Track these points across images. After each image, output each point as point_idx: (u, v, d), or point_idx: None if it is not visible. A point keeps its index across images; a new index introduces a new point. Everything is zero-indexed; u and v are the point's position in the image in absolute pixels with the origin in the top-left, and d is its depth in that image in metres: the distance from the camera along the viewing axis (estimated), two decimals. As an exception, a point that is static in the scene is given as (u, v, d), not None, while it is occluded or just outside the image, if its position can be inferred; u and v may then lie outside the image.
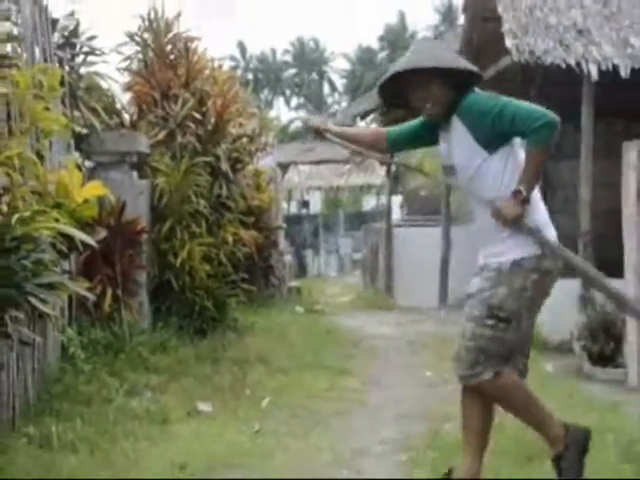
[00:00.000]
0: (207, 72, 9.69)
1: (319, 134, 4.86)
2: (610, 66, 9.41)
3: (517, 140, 4.40)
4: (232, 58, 61.99)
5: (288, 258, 22.57)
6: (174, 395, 6.94)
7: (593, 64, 9.43)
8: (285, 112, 64.72)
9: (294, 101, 68.26)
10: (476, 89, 4.49)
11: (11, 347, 5.48)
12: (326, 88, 68.66)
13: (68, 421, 5.84)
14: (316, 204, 34.69)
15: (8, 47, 5.56)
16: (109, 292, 7.66)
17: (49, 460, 5.09)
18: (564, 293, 10.09)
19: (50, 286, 5.34)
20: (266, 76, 66.55)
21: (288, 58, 68.05)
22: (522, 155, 4.42)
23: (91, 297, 6.36)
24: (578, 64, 9.47)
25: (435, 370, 8.60)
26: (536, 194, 4.51)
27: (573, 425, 4.65)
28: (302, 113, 66.15)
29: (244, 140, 9.98)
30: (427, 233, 15.80)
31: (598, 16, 9.99)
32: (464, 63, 4.54)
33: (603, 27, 9.82)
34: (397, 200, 20.50)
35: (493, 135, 4.34)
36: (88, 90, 8.11)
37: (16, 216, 4.95)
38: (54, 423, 5.74)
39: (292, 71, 68.06)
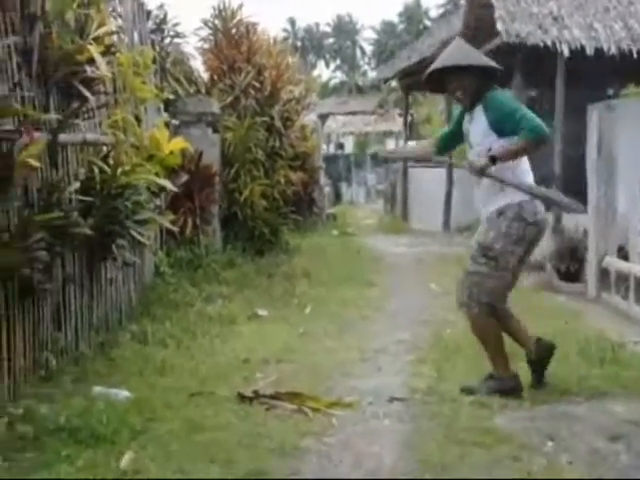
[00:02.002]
0: (264, 48, 9.58)
1: (386, 160, 4.86)
2: (578, 46, 9.33)
3: None
4: (284, 30, 61.33)
5: (327, 189, 22.63)
6: (239, 302, 6.99)
7: (565, 44, 9.34)
8: (325, 72, 63.95)
9: (332, 64, 67.31)
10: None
11: (117, 267, 5.58)
12: (358, 53, 67.58)
13: (160, 322, 5.95)
14: (349, 146, 34.54)
15: (114, 37, 5.52)
16: (190, 221, 7.72)
17: (147, 353, 5.20)
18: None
19: (145, 222, 5.44)
20: (311, 44, 65.71)
21: (328, 29, 67.01)
22: None
23: (174, 229, 6.44)
24: (553, 44, 9.39)
25: (438, 284, 8.63)
26: (525, 166, 4.51)
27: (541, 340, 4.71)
28: (339, 73, 65.33)
29: (293, 102, 9.89)
30: (435, 172, 15.67)
31: (570, 6, 9.93)
32: (487, 61, 4.59)
33: (573, 15, 9.70)
34: (412, 144, 20.21)
35: (503, 125, 4.37)
36: (174, 65, 8.11)
37: (120, 169, 5.01)
38: (150, 323, 5.89)
39: (331, 40, 67.10)
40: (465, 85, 4.47)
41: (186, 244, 7.60)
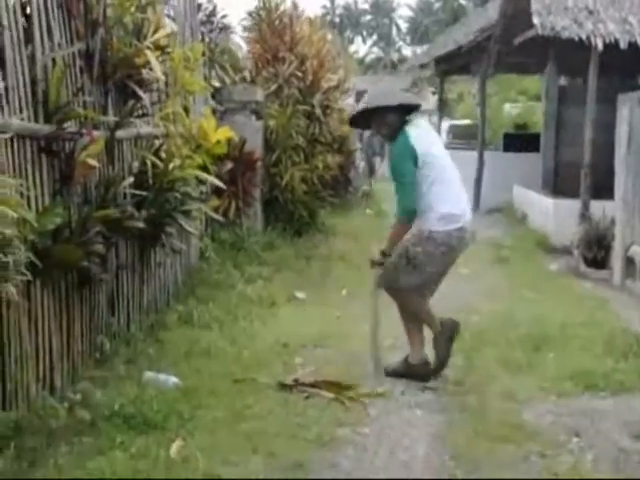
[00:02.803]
0: (306, 38, 9.50)
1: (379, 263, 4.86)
2: (613, 40, 9.11)
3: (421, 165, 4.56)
4: (324, 7, 60.81)
5: (362, 164, 22.48)
6: (278, 284, 6.99)
7: (599, 38, 9.13)
8: (362, 48, 63.27)
9: (369, 40, 66.56)
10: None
11: (166, 252, 5.64)
12: (394, 30, 66.74)
13: (204, 303, 6.00)
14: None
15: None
16: (233, 205, 7.75)
17: (192, 335, 5.25)
18: (568, 210, 10.07)
19: (192, 211, 5.47)
20: (349, 20, 64.98)
21: (366, 6, 66.24)
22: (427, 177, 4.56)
23: (219, 218, 6.49)
24: (588, 38, 9.17)
25: (469, 267, 8.55)
26: (442, 192, 4.58)
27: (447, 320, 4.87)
28: (375, 49, 64.63)
29: (332, 90, 9.82)
30: (466, 155, 15.47)
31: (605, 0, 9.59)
32: (407, 98, 4.88)
33: (608, 9, 9.42)
34: (445, 124, 20.02)
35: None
36: (221, 54, 8.09)
37: (172, 164, 5.05)
38: (195, 304, 5.95)
39: (368, 17, 66.32)
40: (387, 122, 4.69)
41: (229, 226, 7.64)
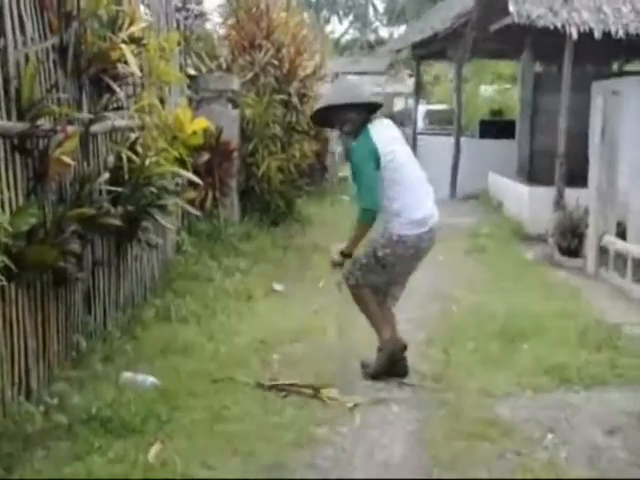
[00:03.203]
0: (282, 23, 9.41)
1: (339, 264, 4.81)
2: (587, 29, 9.14)
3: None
4: (299, -13, 60.08)
5: (338, 149, 22.41)
6: (256, 276, 6.95)
7: (574, 27, 9.15)
8: (339, 28, 62.69)
9: (345, 21, 66.16)
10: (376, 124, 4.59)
11: (142, 247, 5.58)
12: (370, 10, 66.43)
13: (181, 296, 5.97)
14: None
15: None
16: (210, 195, 7.71)
17: (169, 331, 5.21)
18: (542, 197, 10.13)
19: (167, 206, 5.42)
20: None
21: (341, -13, 65.74)
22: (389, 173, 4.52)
23: (195, 212, 6.45)
24: (563, 26, 9.19)
25: (446, 256, 8.57)
26: (410, 196, 4.55)
27: (398, 339, 4.79)
28: (352, 30, 64.21)
29: (309, 78, 9.75)
30: (443, 141, 15.55)
31: (579, -12, 9.60)
32: (365, 97, 4.71)
33: (583, -2, 9.45)
34: (422, 108, 19.97)
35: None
36: (197, 41, 8.00)
37: (148, 160, 4.98)
38: (172, 297, 5.92)
39: (344, -3, 65.84)
40: (348, 119, 4.60)
41: (206, 217, 7.59)
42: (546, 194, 10.09)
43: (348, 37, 60.87)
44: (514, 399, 4.45)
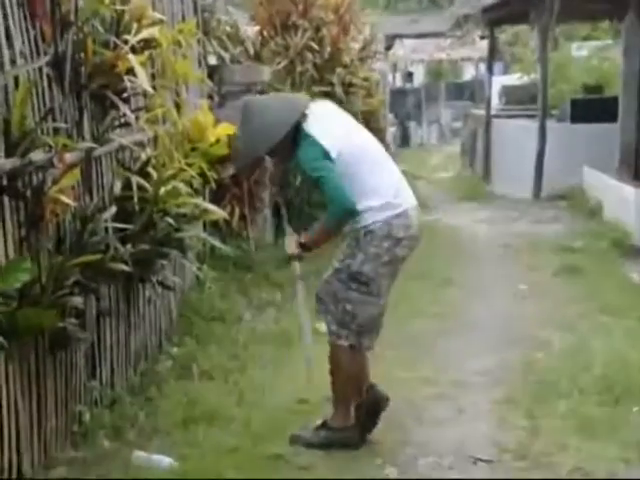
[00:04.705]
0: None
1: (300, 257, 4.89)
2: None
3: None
4: None
5: (392, 130, 22.37)
6: (295, 313, 6.91)
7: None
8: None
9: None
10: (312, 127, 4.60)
11: (156, 289, 5.66)
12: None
13: (204, 343, 6.07)
14: (419, 75, 34.10)
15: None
16: (237, 211, 7.79)
17: (190, 391, 5.28)
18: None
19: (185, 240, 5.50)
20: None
21: None
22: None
23: (221, 246, 6.54)
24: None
25: (528, 283, 8.51)
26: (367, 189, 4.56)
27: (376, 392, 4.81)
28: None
29: (356, 62, 9.76)
30: (524, 126, 15.38)
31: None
32: (286, 122, 4.60)
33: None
34: (496, 83, 19.80)
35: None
36: (218, 25, 8.09)
37: (163, 189, 5.06)
38: (193, 344, 6.03)
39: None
40: (276, 153, 4.83)
41: (233, 238, 7.66)
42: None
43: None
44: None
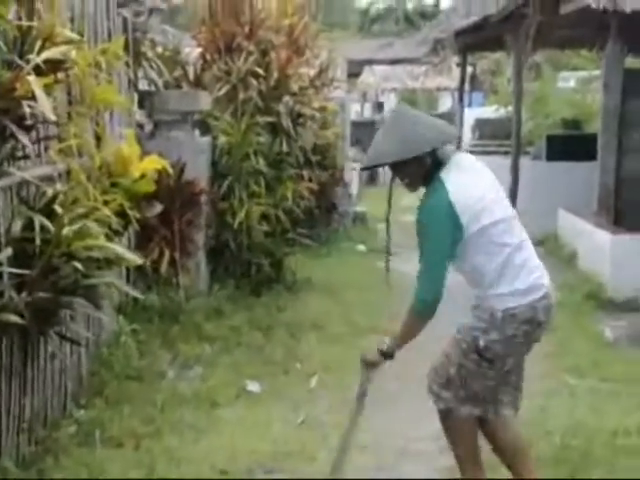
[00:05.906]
0: (273, 14, 9.42)
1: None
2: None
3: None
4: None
5: (357, 166, 22.36)
6: (224, 370, 6.89)
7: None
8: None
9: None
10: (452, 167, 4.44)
11: (61, 343, 5.55)
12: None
13: (116, 405, 5.94)
14: (391, 105, 34.28)
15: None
16: (166, 254, 7.68)
17: (93, 463, 5.12)
18: (632, 249, 9.96)
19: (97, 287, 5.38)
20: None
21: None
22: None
23: (139, 296, 6.44)
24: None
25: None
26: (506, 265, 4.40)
27: None
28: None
29: (307, 90, 9.73)
30: (497, 163, 15.37)
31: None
32: (425, 145, 4.41)
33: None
34: (470, 115, 19.93)
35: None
36: (152, 44, 8.05)
37: (67, 229, 4.94)
38: (103, 407, 5.89)
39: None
40: (406, 174, 4.55)
41: (160, 285, 7.55)
42: (638, 244, 9.97)
43: (379, 6, 60.68)
44: None
